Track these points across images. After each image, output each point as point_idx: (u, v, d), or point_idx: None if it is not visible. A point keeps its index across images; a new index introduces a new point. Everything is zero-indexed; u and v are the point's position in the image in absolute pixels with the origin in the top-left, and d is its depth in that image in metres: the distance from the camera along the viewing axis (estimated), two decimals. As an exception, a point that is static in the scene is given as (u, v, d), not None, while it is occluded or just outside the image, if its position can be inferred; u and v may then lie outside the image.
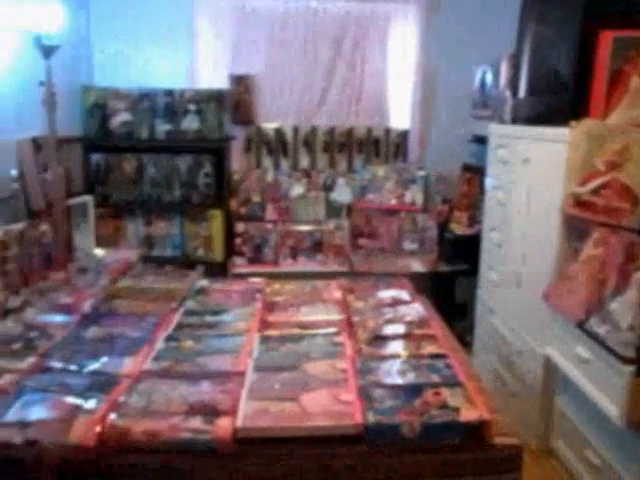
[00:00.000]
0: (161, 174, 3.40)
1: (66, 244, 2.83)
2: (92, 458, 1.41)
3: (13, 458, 1.41)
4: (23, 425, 1.46)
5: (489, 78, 3.38)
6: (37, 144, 2.73)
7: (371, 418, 1.49)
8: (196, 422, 1.49)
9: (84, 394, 1.60)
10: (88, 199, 3.12)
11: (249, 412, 1.53)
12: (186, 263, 3.45)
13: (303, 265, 3.56)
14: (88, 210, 3.13)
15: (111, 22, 3.52)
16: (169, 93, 3.33)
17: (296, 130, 3.76)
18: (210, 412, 1.53)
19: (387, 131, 3.84)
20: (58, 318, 2.15)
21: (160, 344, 1.95)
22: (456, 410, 1.52)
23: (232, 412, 1.52)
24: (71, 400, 1.57)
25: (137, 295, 2.42)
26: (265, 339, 2.02)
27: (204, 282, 2.63)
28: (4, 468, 1.42)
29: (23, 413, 1.50)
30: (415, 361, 1.83)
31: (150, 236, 3.50)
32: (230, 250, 3.55)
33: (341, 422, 1.49)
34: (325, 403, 1.58)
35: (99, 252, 3.05)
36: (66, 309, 2.22)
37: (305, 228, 3.59)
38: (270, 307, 2.34)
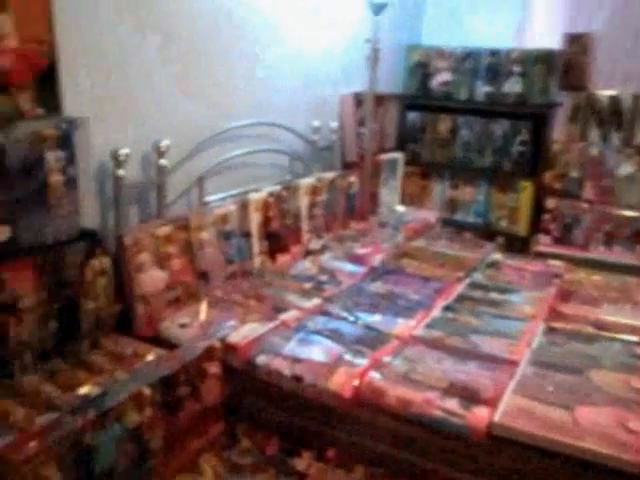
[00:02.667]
0: (474, 138, 3.28)
1: (371, 197, 2.95)
2: (344, 408, 1.45)
3: (280, 387, 1.53)
4: (295, 360, 1.57)
5: None
6: (358, 99, 2.86)
7: (665, 460, 1.21)
8: (452, 403, 1.41)
9: (352, 346, 1.65)
10: (399, 156, 3.19)
11: (512, 408, 1.38)
12: (487, 232, 3.32)
13: (618, 255, 3.08)
14: (397, 167, 3.20)
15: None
16: (494, 53, 3.15)
17: (637, 99, 3.22)
18: (469, 396, 1.43)
19: None
20: (349, 267, 2.26)
21: (437, 312, 1.90)
22: None
23: (493, 403, 1.40)
24: (339, 348, 1.63)
25: (427, 257, 2.40)
26: (551, 331, 1.81)
27: (498, 256, 2.47)
28: (277, 397, 1.56)
29: (297, 349, 1.61)
30: None
31: (454, 200, 3.43)
32: (536, 226, 3.27)
33: (623, 455, 1.23)
34: (606, 424, 1.33)
35: (401, 209, 3.11)
36: (358, 259, 2.32)
37: (628, 214, 3.09)
38: (565, 296, 2.08)
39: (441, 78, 3.30)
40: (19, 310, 1.47)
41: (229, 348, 1.59)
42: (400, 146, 3.39)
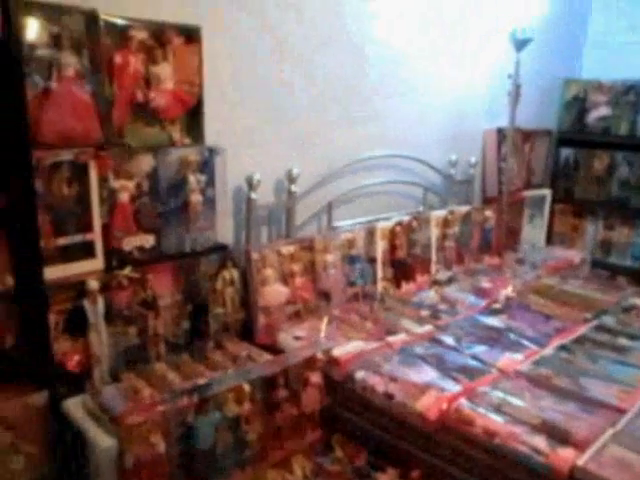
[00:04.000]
0: (634, 175, 3.06)
1: (512, 233, 2.90)
2: (429, 430, 1.48)
3: (373, 403, 1.61)
4: (391, 379, 1.63)
5: None
6: (502, 134, 2.85)
7: None
8: (539, 440, 1.38)
9: (451, 372, 1.67)
10: (546, 193, 3.09)
11: (604, 455, 1.32)
12: (645, 277, 3.07)
13: None
14: (544, 204, 3.10)
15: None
16: (660, 86, 2.94)
17: None
18: (559, 436, 1.39)
19: None
20: (471, 298, 2.26)
21: (549, 350, 1.85)
22: None
23: (582, 446, 1.34)
24: (436, 374, 1.66)
25: (555, 296, 2.32)
26: (677, 384, 1.66)
27: (638, 300, 2.30)
28: (370, 412, 1.64)
29: (395, 370, 1.68)
30: None
31: (609, 241, 3.21)
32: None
33: None
34: None
35: (543, 247, 3.01)
36: (482, 293, 2.31)
37: None
38: None
39: (599, 113, 3.15)
40: (158, 307, 1.73)
41: (332, 361, 1.71)
42: (552, 183, 3.28)
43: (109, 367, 1.64)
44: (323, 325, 1.97)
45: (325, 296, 2.10)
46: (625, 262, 3.18)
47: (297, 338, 1.88)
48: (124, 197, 1.63)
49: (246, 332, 1.92)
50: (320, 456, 1.65)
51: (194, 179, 1.75)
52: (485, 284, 2.38)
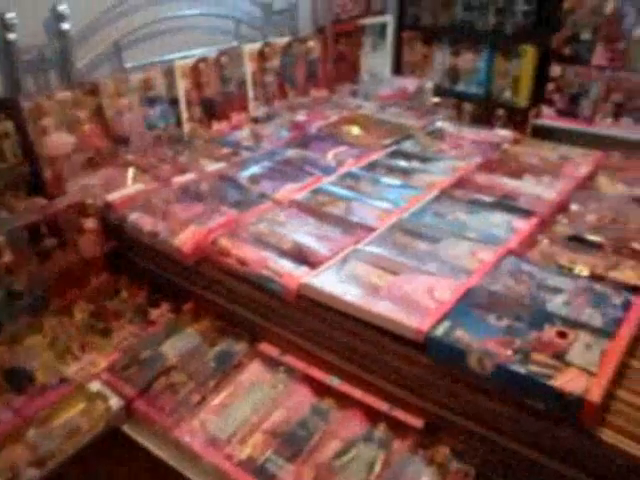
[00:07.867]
0: (478, -4, 2.97)
1: (350, 65, 2.83)
2: (188, 264, 1.53)
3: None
4: (163, 218, 1.65)
5: None
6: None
7: (439, 331, 1.17)
8: (283, 263, 1.44)
9: (222, 207, 1.69)
10: (387, 20, 2.99)
11: (336, 273, 1.39)
12: (488, 104, 3.12)
13: (626, 129, 2.80)
14: (387, 32, 3.01)
15: None
16: None
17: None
18: (302, 258, 1.45)
19: None
20: (283, 133, 2.24)
21: (333, 178, 1.88)
22: (558, 369, 1.07)
23: (319, 265, 1.42)
24: (204, 209, 1.68)
25: (370, 125, 2.32)
26: (442, 199, 1.73)
27: (445, 124, 2.33)
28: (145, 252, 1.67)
29: (170, 208, 1.68)
30: (585, 284, 1.33)
31: (456, 68, 3.19)
32: (538, 96, 3.00)
33: (406, 321, 1.21)
34: (415, 292, 1.30)
35: (386, 77, 2.96)
36: (295, 127, 2.28)
37: (642, 81, 2.76)
38: (490, 167, 1.96)
39: None
40: None
41: (107, 205, 1.70)
42: (398, 9, 3.16)
43: None
44: (130, 173, 1.93)
45: (123, 141, 2.04)
46: (471, 89, 3.18)
47: (83, 187, 1.85)
48: None
49: (38, 187, 1.87)
50: (107, 299, 1.68)
51: None
52: (301, 118, 2.35)
